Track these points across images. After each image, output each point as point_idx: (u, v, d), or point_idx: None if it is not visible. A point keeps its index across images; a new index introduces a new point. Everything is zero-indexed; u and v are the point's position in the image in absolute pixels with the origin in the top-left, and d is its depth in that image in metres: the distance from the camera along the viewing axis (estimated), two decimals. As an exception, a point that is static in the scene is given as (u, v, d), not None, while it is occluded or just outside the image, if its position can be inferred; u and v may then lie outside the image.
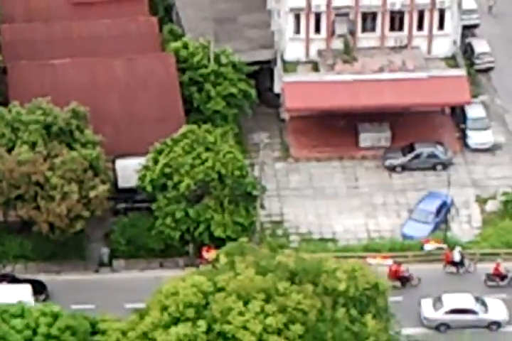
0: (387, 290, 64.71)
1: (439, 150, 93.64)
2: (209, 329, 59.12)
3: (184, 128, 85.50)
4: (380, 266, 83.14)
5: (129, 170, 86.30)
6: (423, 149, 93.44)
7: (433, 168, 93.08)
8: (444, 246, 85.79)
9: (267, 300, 58.98)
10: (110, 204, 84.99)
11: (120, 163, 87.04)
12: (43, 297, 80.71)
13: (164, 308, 60.51)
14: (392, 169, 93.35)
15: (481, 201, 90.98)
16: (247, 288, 59.44)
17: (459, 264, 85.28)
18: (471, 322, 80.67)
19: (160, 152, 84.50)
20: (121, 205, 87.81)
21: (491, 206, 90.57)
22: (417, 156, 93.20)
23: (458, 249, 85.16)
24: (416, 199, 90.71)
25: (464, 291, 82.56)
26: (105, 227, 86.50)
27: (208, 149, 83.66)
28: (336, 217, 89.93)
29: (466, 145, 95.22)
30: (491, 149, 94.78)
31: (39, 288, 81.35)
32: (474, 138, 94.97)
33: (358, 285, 62.15)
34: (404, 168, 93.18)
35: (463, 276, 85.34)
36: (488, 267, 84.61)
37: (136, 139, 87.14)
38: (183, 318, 59.60)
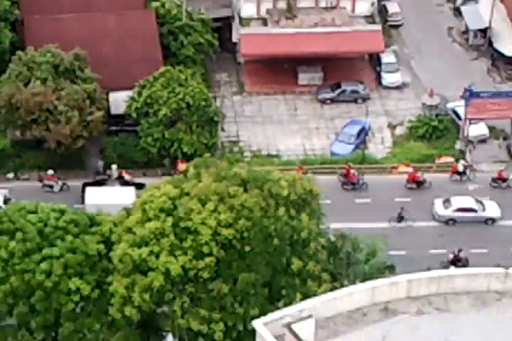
0: (319, 195, 64.31)
1: (359, 87, 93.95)
2: (176, 226, 59.53)
3: (162, 69, 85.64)
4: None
5: (119, 101, 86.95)
6: (347, 87, 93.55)
7: (355, 101, 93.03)
8: (452, 159, 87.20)
9: (221, 201, 59.18)
10: (104, 127, 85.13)
11: (112, 95, 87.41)
12: None
13: (144, 211, 60.86)
14: (323, 102, 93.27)
15: (392, 127, 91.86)
16: (205, 192, 59.69)
17: (462, 174, 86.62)
18: (472, 218, 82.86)
19: (143, 87, 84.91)
20: (113, 128, 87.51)
21: (399, 131, 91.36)
22: (343, 92, 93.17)
23: (462, 161, 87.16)
24: (341, 125, 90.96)
25: (465, 195, 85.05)
26: (101, 145, 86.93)
27: (180, 85, 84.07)
28: (280, 138, 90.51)
29: (380, 83, 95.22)
30: (400, 87, 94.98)
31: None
32: (387, 79, 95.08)
33: (297, 191, 62.01)
34: (332, 100, 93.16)
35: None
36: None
37: (125, 77, 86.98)
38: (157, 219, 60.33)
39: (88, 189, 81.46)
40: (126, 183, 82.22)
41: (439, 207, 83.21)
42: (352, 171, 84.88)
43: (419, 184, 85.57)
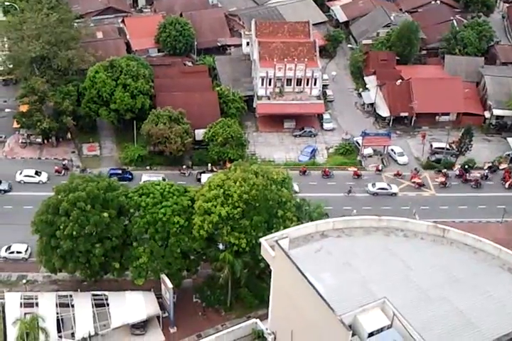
0: (291, 179, 64.01)
1: (313, 129, 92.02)
2: (224, 193, 59.47)
3: (220, 119, 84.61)
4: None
5: (200, 133, 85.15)
6: (307, 129, 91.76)
7: (310, 136, 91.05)
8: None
9: (244, 182, 58.91)
10: (192, 145, 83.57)
11: (197, 131, 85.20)
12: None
13: (209, 185, 61.14)
14: (295, 136, 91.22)
15: (327, 149, 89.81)
16: (236, 177, 59.50)
17: (380, 171, 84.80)
18: (385, 193, 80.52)
19: (211, 127, 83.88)
20: (196, 146, 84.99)
21: (331, 150, 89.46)
22: (305, 131, 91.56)
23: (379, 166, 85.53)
24: (303, 147, 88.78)
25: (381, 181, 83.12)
26: (190, 154, 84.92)
27: (228, 127, 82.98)
28: (275, 153, 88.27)
29: (322, 128, 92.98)
30: (331, 130, 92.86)
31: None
32: (326, 126, 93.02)
33: (280, 177, 61.91)
34: (300, 135, 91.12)
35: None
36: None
37: (203, 122, 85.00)
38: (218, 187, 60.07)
39: (202, 175, 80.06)
40: (213, 171, 79.58)
41: (369, 186, 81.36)
42: (327, 170, 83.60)
43: (359, 176, 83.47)
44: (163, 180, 78.24)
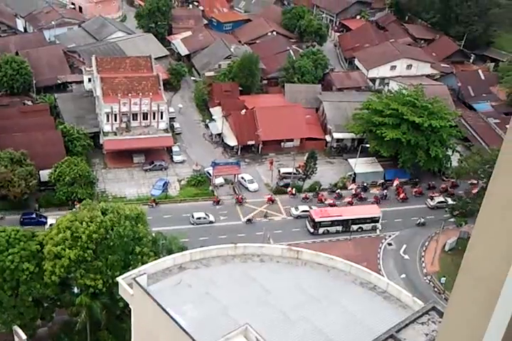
0: (144, 215, 63.08)
1: (163, 163, 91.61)
2: (71, 235, 57.39)
3: (66, 158, 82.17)
4: None
5: (45, 174, 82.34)
6: (157, 162, 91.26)
7: (161, 169, 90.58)
8: None
9: (91, 221, 57.35)
10: (37, 187, 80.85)
11: (41, 172, 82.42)
12: None
13: (58, 227, 58.79)
14: (146, 170, 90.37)
15: (179, 181, 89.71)
16: (82, 217, 57.72)
17: (295, 195, 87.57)
18: (307, 215, 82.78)
19: (56, 167, 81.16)
20: (42, 188, 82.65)
21: (183, 183, 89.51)
22: (155, 165, 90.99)
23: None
24: (155, 181, 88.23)
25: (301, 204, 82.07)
26: (36, 196, 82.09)
27: (75, 165, 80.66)
28: (127, 188, 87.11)
29: (173, 160, 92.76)
30: (182, 162, 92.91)
31: None
32: (176, 158, 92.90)
33: (134, 212, 60.90)
34: (150, 169, 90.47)
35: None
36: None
37: (48, 163, 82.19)
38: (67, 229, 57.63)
39: None
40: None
41: (293, 210, 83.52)
42: (240, 197, 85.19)
43: (273, 201, 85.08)
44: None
